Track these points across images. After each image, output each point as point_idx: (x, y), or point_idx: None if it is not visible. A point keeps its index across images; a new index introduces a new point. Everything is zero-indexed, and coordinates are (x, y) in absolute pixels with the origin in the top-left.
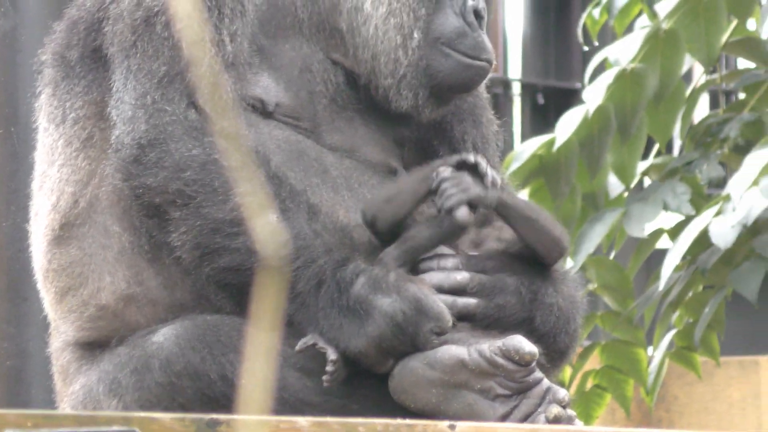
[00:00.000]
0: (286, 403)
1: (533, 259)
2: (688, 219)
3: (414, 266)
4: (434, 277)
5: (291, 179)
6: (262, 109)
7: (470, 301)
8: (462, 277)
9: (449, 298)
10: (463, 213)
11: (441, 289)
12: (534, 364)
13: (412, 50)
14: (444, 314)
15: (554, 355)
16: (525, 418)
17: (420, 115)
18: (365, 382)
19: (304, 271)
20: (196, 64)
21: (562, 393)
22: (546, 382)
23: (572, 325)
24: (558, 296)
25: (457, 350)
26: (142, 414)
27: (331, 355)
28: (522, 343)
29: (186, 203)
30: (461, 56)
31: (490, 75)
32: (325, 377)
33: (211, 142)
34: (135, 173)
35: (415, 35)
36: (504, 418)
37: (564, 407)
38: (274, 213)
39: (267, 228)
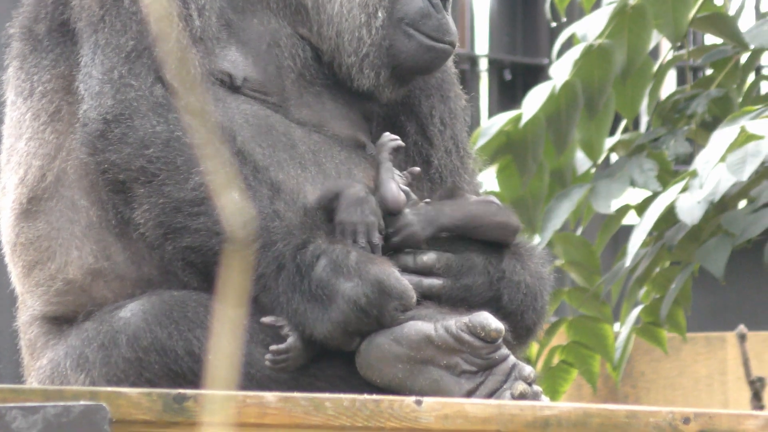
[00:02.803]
0: (252, 379)
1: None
2: (655, 195)
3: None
4: (401, 258)
5: (256, 155)
6: (230, 84)
7: (436, 282)
8: (428, 257)
9: (414, 278)
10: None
11: (407, 269)
12: (500, 340)
13: (376, 29)
14: (407, 291)
15: (521, 332)
16: (491, 395)
17: (381, 95)
18: (332, 360)
19: (264, 254)
20: (163, 39)
21: (528, 370)
22: (512, 359)
23: (540, 302)
24: (525, 273)
25: (423, 326)
26: (110, 389)
27: (289, 340)
28: (488, 319)
29: (149, 181)
30: (424, 37)
31: (457, 51)
32: (268, 356)
33: (176, 118)
34: (100, 148)
35: (380, 14)
36: (470, 394)
37: (529, 384)
38: (237, 191)
39: (230, 206)
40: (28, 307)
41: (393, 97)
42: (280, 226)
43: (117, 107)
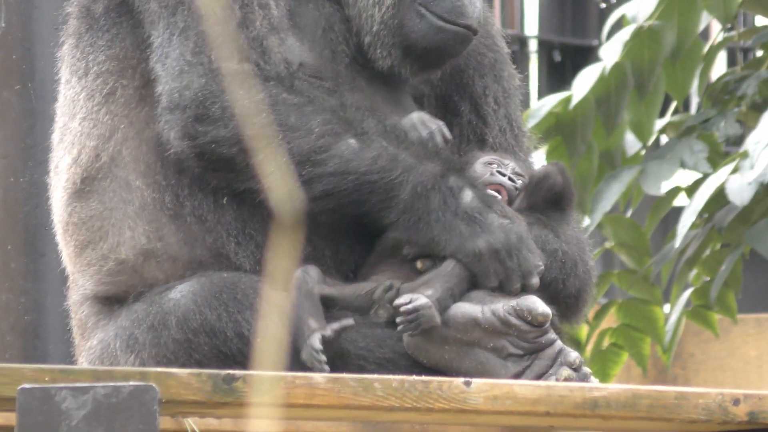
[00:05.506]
0: (301, 360)
1: (533, 208)
2: (705, 177)
3: None
4: None
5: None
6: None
7: None
8: None
9: None
10: None
11: None
12: (547, 325)
13: (386, 8)
14: (537, 267)
15: (568, 300)
16: (536, 379)
17: (407, 77)
18: (380, 342)
19: (406, 177)
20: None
21: (574, 356)
22: (559, 344)
23: (580, 267)
24: (560, 241)
25: (470, 308)
26: (159, 369)
27: (421, 299)
28: (536, 303)
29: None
30: (435, 18)
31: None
32: (399, 318)
33: (271, 86)
34: (202, 130)
35: None
36: (516, 377)
37: (575, 370)
38: (352, 138)
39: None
40: (79, 286)
41: (419, 79)
42: (409, 155)
43: (207, 87)
